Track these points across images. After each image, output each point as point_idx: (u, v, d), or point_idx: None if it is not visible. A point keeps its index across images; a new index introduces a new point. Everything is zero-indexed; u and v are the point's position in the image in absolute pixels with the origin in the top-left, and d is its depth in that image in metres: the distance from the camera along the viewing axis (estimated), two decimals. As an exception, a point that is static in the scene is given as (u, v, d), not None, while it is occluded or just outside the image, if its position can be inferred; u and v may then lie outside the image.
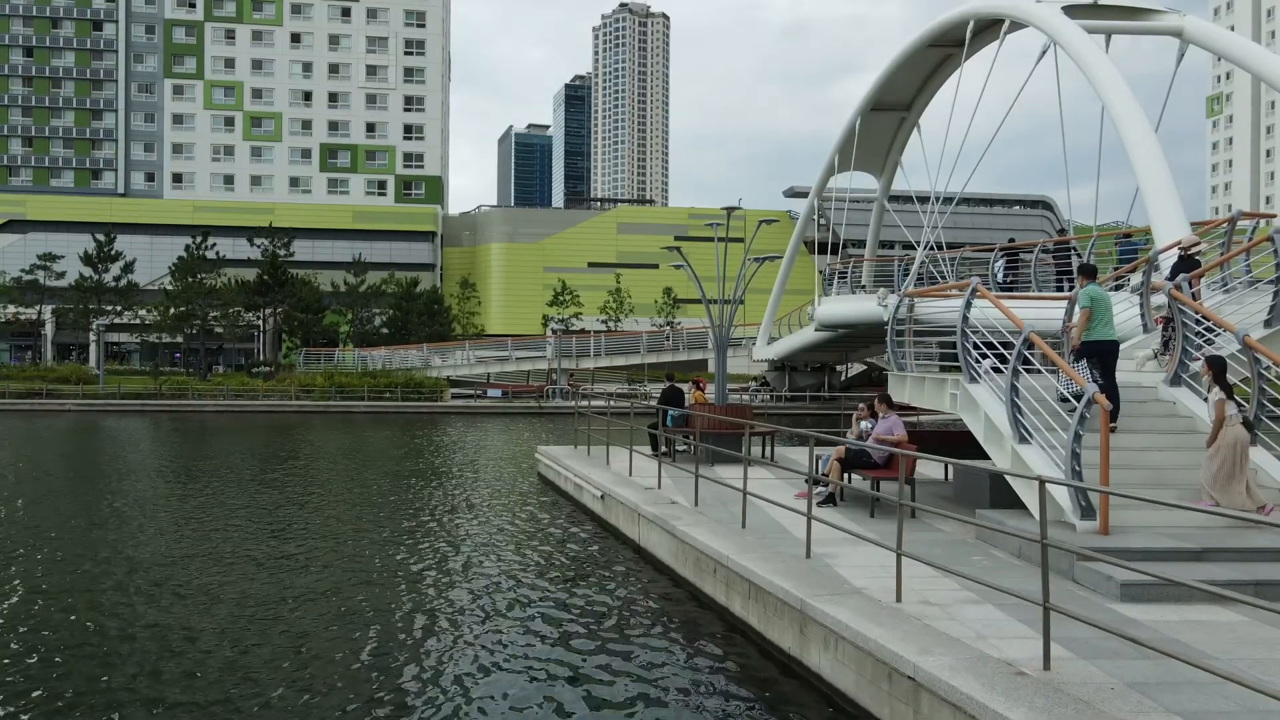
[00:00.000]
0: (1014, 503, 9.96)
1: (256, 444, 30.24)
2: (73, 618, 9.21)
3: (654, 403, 19.98)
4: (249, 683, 7.43)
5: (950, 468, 14.35)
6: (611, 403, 31.17)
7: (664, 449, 15.99)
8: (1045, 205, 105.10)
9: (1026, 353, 9.87)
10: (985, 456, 11.57)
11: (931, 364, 14.05)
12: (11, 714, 6.72)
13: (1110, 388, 10.08)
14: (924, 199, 34.26)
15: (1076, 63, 22.02)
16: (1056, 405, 9.68)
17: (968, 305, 11.31)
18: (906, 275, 28.58)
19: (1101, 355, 10.36)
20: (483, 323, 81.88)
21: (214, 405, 47.56)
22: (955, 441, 13.58)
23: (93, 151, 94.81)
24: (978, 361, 11.09)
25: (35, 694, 7.11)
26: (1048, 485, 6.95)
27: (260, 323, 64.44)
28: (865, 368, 54.75)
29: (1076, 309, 10.76)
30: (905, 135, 39.92)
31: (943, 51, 34.53)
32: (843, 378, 53.39)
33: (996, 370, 10.74)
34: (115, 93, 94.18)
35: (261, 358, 65.83)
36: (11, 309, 64.43)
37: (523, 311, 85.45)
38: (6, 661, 7.86)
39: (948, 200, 30.99)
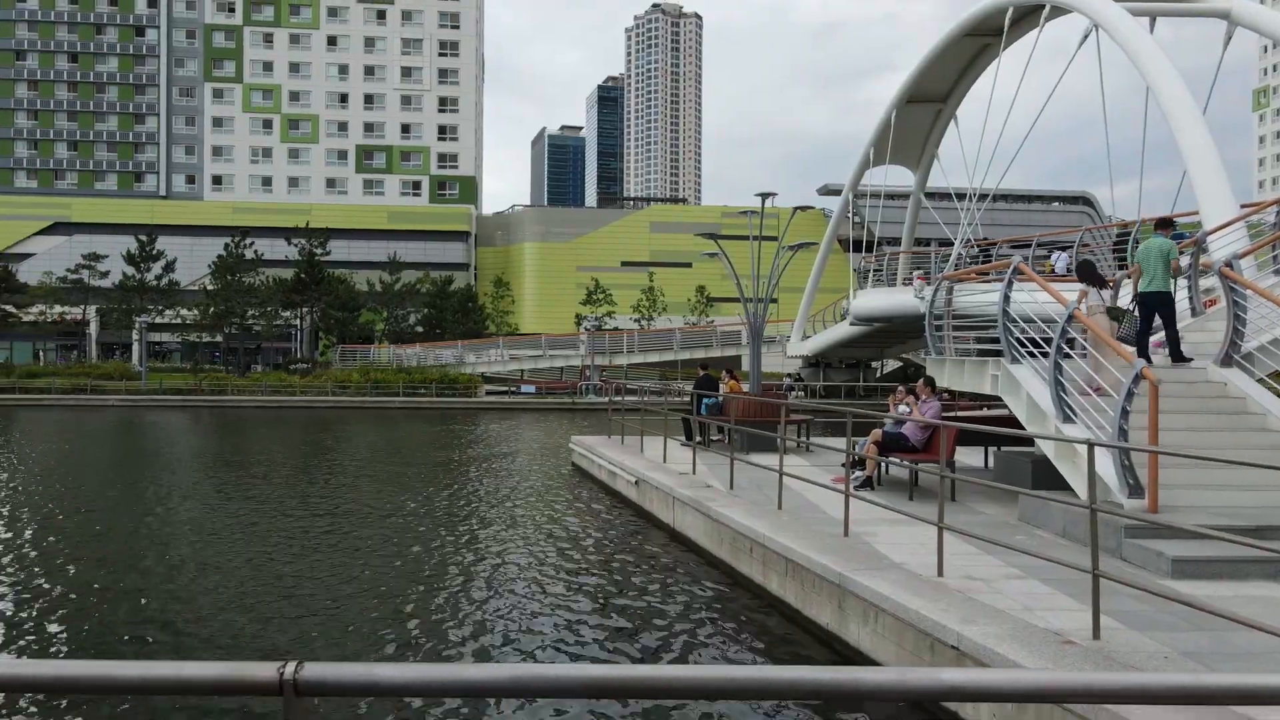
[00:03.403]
0: (1056, 485, 9.73)
1: (297, 436, 30.56)
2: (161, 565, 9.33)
3: (687, 397, 19.89)
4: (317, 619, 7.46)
5: (990, 456, 14.12)
6: (645, 399, 31.04)
7: (698, 437, 15.87)
8: (1086, 201, 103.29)
9: (1070, 329, 9.65)
10: (1025, 445, 11.35)
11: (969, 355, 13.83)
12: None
13: (1174, 338, 10.18)
14: (961, 195, 33.80)
15: (1120, 45, 21.54)
16: (1088, 389, 9.47)
17: (1009, 285, 11.08)
18: (943, 268, 28.18)
19: (1151, 307, 10.26)
20: (516, 322, 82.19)
21: (252, 401, 48.19)
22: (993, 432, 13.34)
23: (135, 155, 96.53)
24: (1019, 342, 10.87)
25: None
26: (1095, 454, 6.74)
27: (297, 321, 65.21)
28: (901, 364, 54.14)
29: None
30: (942, 128, 39.41)
31: (980, 41, 34.04)
32: (878, 374, 52.85)
33: (1035, 355, 10.53)
34: (157, 97, 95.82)
35: (298, 355, 66.62)
36: (58, 309, 65.78)
37: (556, 310, 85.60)
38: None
39: (985, 196, 30.56)
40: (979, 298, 15.48)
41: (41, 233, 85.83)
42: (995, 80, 32.01)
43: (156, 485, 17.66)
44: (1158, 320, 10.88)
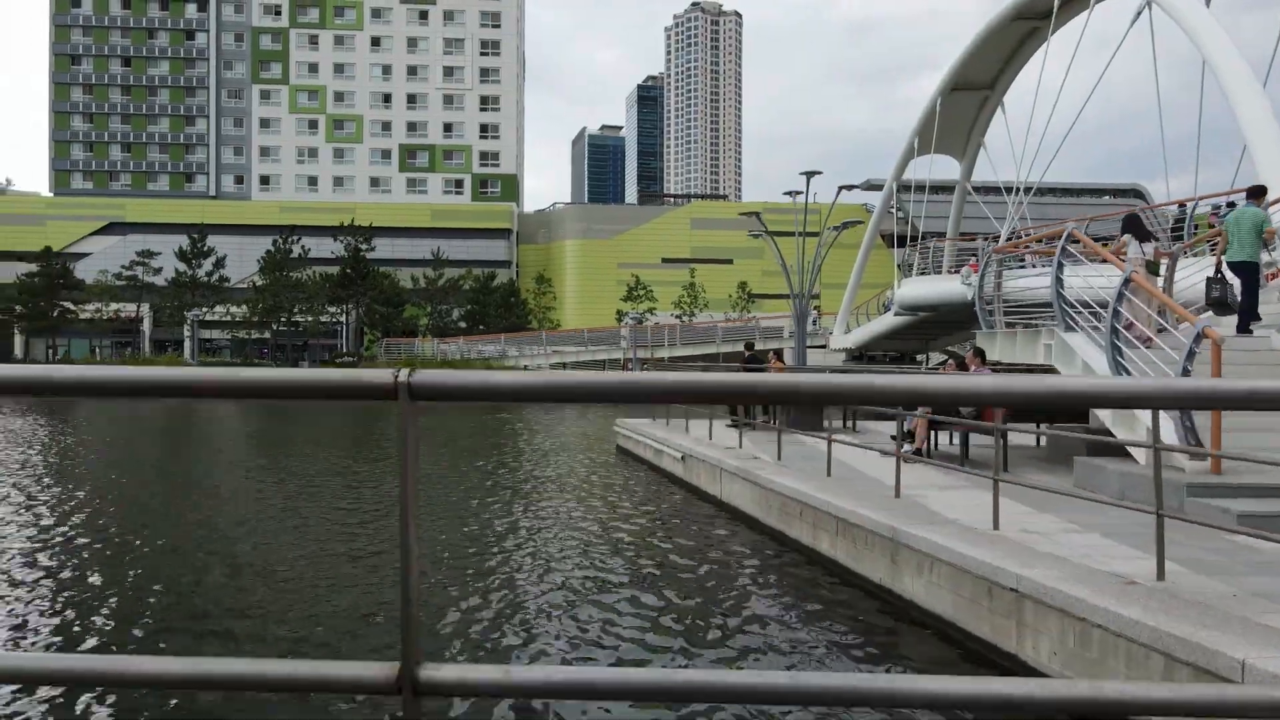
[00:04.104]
0: (1112, 453, 9.54)
1: (345, 423, 30.99)
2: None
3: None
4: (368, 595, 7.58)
5: (1041, 439, 13.87)
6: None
7: (743, 417, 15.81)
8: (1137, 194, 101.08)
9: (1127, 292, 9.46)
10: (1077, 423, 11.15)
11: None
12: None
13: (1248, 307, 9.94)
14: (1009, 188, 33.21)
15: (1176, 20, 21.05)
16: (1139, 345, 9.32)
17: (1062, 252, 10.90)
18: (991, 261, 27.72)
19: (1235, 276, 10.09)
20: (558, 318, 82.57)
21: (300, 394, 48.95)
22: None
23: (186, 156, 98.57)
24: (1074, 309, 10.69)
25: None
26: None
27: (343, 317, 66.19)
28: (946, 357, 53.42)
29: None
30: (988, 116, 38.77)
31: (1028, 25, 33.46)
32: (923, 368, 52.21)
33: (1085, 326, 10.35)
34: (207, 99, 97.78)
35: (344, 350, 67.63)
36: (113, 306, 67.49)
37: (597, 307, 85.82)
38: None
39: (1032, 189, 30.07)
40: (1029, 280, 15.26)
41: (97, 233, 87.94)
42: (1043, 66, 31.48)
43: (219, 464, 18.04)
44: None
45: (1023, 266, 15.20)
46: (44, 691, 5.33)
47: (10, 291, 65.12)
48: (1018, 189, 31.27)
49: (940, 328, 41.36)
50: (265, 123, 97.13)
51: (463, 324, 67.43)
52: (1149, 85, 22.96)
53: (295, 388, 1.26)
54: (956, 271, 30.46)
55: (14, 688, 5.34)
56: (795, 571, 8.73)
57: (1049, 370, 11.77)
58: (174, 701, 5.29)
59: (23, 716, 5.23)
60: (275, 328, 64.37)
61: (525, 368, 56.21)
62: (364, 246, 64.32)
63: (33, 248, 71.55)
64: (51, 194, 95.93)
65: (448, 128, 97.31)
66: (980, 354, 12.29)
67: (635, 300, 71.20)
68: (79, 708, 5.20)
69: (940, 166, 43.31)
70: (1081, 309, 10.41)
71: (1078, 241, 10.84)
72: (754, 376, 1.21)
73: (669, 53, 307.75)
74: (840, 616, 7.21)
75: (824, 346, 52.25)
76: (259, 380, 1.26)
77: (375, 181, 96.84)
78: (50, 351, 71.44)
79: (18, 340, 71.16)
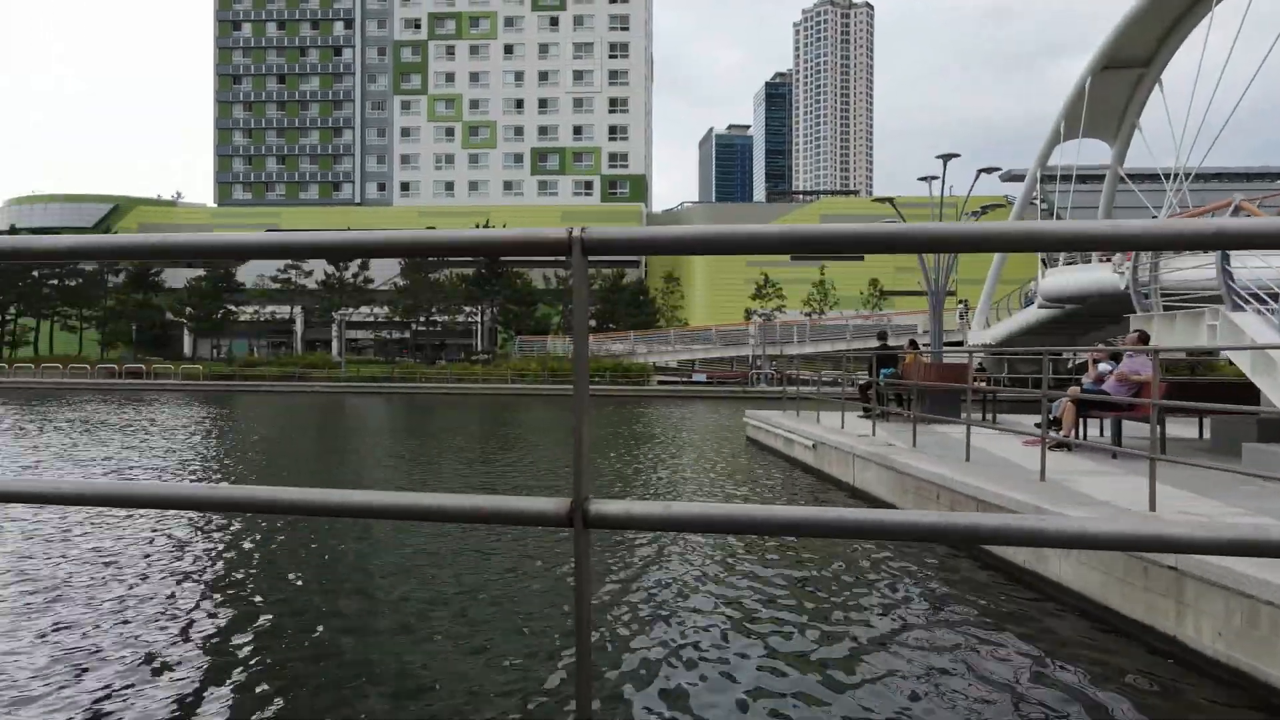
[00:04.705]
0: (1287, 437, 8.88)
1: (485, 417, 32.07)
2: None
3: (863, 379, 19.42)
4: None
5: (1205, 425, 13.00)
6: (820, 388, 30.73)
7: (876, 409, 15.49)
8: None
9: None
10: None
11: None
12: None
13: None
14: (1168, 175, 31.17)
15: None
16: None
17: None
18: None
19: None
20: (686, 316, 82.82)
21: (439, 388, 51.02)
22: (1205, 397, 12.28)
23: (334, 166, 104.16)
24: (1243, 289, 10.00)
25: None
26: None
27: (478, 316, 68.50)
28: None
29: None
30: (1144, 96, 36.50)
31: (1188, -4, 31.37)
32: (1069, 365, 49.65)
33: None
34: (353, 111, 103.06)
35: (479, 348, 69.96)
36: (269, 308, 72.17)
37: (725, 305, 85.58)
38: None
39: (1192, 174, 28.17)
40: (1189, 274, 14.33)
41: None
42: (1206, 40, 29.42)
43: (384, 450, 19.04)
44: None
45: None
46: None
47: (181, 295, 70.58)
48: (1177, 174, 29.35)
49: (1089, 322, 39.29)
50: (405, 132, 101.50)
51: (592, 322, 68.60)
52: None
53: (474, 245, 1.37)
54: (1107, 261, 28.87)
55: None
56: (930, 553, 8.51)
57: (1209, 354, 11.04)
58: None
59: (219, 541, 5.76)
60: (415, 327, 67.31)
61: (655, 365, 56.69)
62: (498, 248, 66.53)
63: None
64: (216, 205, 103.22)
65: (577, 130, 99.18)
66: (1143, 337, 11.59)
67: (764, 298, 70.65)
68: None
69: (1089, 152, 41.09)
70: (1252, 289, 9.74)
71: (1247, 215, 10.12)
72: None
73: (797, 49, 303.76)
74: (982, 598, 7.00)
75: (961, 343, 50.45)
76: (442, 240, 1.37)
77: (508, 185, 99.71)
78: (214, 350, 76.96)
79: (186, 340, 76.94)
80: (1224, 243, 1.20)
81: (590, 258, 1.34)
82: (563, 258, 1.35)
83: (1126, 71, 35.41)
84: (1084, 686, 5.13)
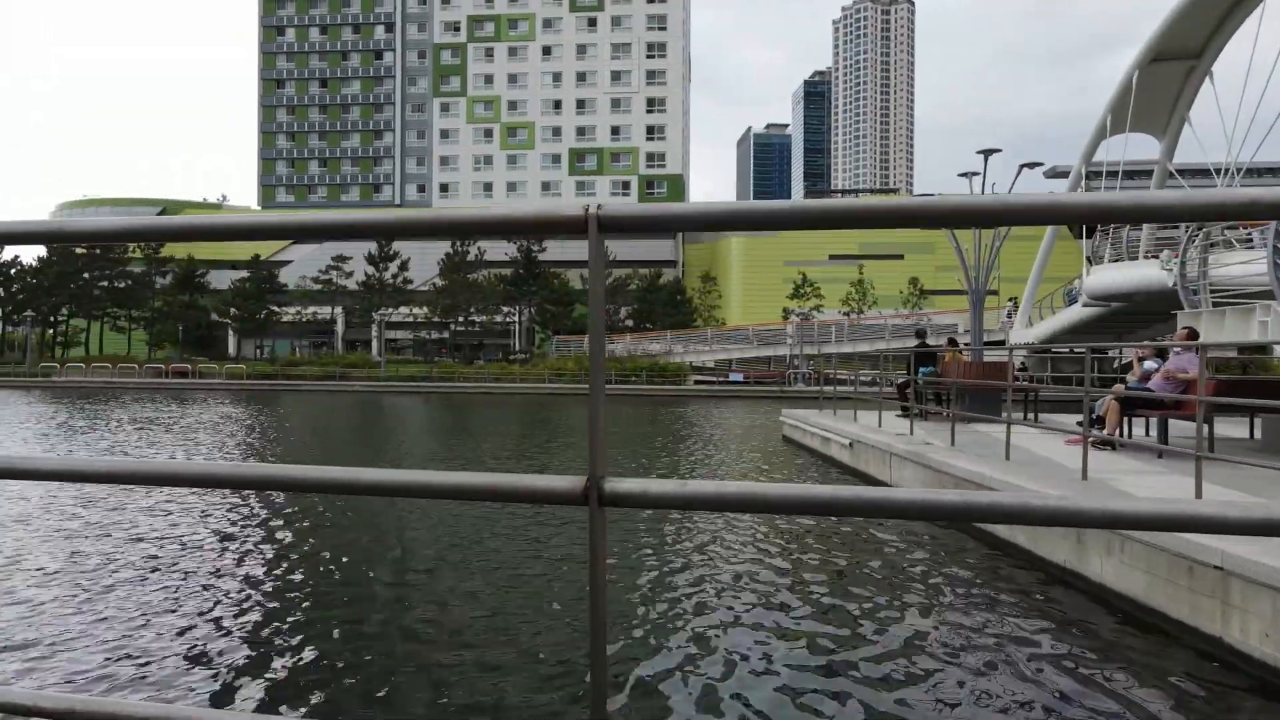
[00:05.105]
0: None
1: (522, 415, 32.26)
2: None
3: (900, 378, 19.21)
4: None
5: (1257, 425, 12.67)
6: (857, 388, 30.40)
7: (915, 407, 15.31)
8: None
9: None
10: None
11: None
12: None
13: None
14: (1218, 170, 30.44)
15: None
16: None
17: None
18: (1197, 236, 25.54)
19: None
20: (723, 316, 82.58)
21: (477, 387, 51.42)
22: (1257, 396, 11.96)
23: (374, 168, 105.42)
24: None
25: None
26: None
27: (516, 316, 68.93)
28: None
29: None
30: (1194, 89, 35.67)
31: (1240, -14, 30.62)
32: (1115, 364, 48.69)
33: None
34: (393, 114, 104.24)
35: (517, 348, 70.38)
36: (311, 309, 73.31)
37: (762, 305, 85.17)
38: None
39: (1249, 171, 27.48)
40: (1238, 269, 13.98)
41: (298, 241, 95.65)
42: (1259, 30, 28.74)
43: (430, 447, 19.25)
44: None
45: (1250, 243, 13.93)
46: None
47: (226, 296, 71.93)
48: (1228, 169, 28.67)
49: (1135, 320, 38.51)
50: (445, 133, 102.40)
51: (629, 322, 68.68)
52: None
53: (492, 224, 1.38)
54: (1153, 257, 28.28)
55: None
56: (968, 551, 8.39)
57: (1261, 350, 10.76)
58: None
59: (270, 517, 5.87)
60: (453, 327, 67.92)
61: (692, 365, 56.61)
62: (535, 248, 66.83)
63: (243, 257, 78.78)
64: (259, 207, 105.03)
65: (615, 131, 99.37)
66: (1193, 334, 11.33)
67: (802, 298, 70.20)
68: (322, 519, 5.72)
69: (1136, 147, 40.26)
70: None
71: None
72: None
73: (836, 46, 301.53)
74: (1023, 601, 6.89)
75: (1002, 343, 49.71)
76: (460, 219, 1.38)
77: (546, 185, 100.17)
78: (258, 350, 78.29)
79: (231, 340, 78.37)
80: (1260, 212, 1.16)
81: (606, 234, 1.34)
82: (580, 234, 1.35)
83: (1176, 64, 34.65)
84: (1128, 688, 5.02)
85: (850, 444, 14.08)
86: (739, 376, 53.35)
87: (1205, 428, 8.58)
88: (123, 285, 73.13)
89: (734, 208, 1.31)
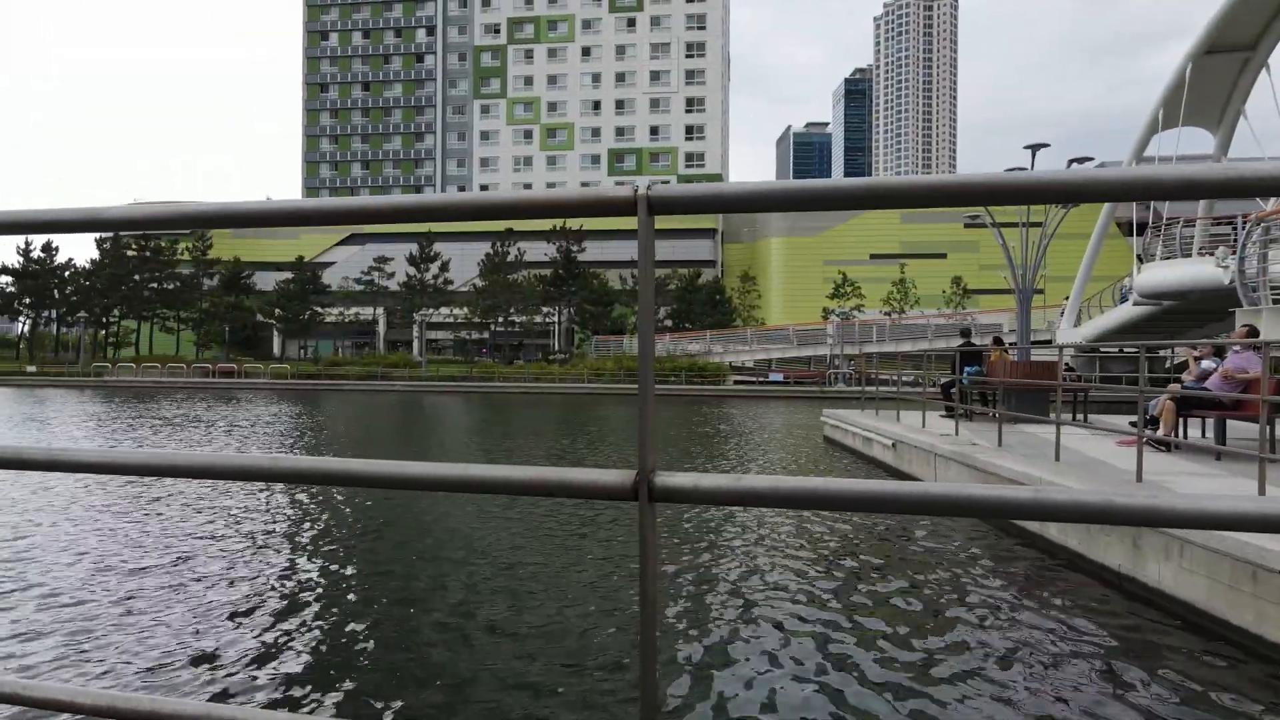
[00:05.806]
0: None
1: (561, 415, 32.35)
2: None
3: (944, 377, 18.90)
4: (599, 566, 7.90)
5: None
6: (899, 388, 30.10)
7: (960, 408, 15.04)
8: None
9: None
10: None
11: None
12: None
13: None
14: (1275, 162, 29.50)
15: None
16: None
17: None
18: (1255, 231, 24.81)
19: None
20: (763, 315, 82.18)
21: (517, 387, 51.69)
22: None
23: (415, 170, 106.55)
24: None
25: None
26: None
27: (556, 316, 69.23)
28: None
29: None
30: (1250, 81, 34.69)
31: (1297, -25, 29.72)
32: (1167, 365, 47.60)
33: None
34: (434, 117, 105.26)
35: (556, 348, 70.66)
36: (354, 309, 74.34)
37: (802, 305, 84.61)
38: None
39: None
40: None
41: (341, 243, 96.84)
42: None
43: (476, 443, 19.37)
44: None
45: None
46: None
47: (271, 297, 73.16)
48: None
49: (1188, 319, 37.62)
50: (485, 135, 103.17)
51: (669, 322, 68.60)
52: None
53: (539, 206, 1.32)
54: (1208, 255, 27.56)
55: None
56: (1018, 555, 8.20)
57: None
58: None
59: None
60: (493, 327, 68.39)
61: (731, 365, 56.39)
62: (575, 249, 67.07)
63: (288, 258, 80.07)
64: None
65: (654, 130, 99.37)
66: (1253, 331, 10.98)
67: (842, 297, 69.59)
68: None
69: (1190, 141, 39.28)
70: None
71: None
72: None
73: (878, 43, 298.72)
74: (1075, 605, 6.70)
75: (1049, 342, 48.80)
76: (507, 201, 1.32)
77: (585, 186, 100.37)
78: (302, 350, 79.49)
79: (275, 341, 79.67)
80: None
81: (656, 215, 1.27)
82: (630, 216, 1.29)
83: (1231, 56, 33.75)
84: (1188, 695, 4.84)
85: (893, 444, 13.87)
86: (779, 376, 53.00)
87: (1268, 429, 8.29)
88: (172, 287, 74.69)
89: (786, 186, 1.23)
